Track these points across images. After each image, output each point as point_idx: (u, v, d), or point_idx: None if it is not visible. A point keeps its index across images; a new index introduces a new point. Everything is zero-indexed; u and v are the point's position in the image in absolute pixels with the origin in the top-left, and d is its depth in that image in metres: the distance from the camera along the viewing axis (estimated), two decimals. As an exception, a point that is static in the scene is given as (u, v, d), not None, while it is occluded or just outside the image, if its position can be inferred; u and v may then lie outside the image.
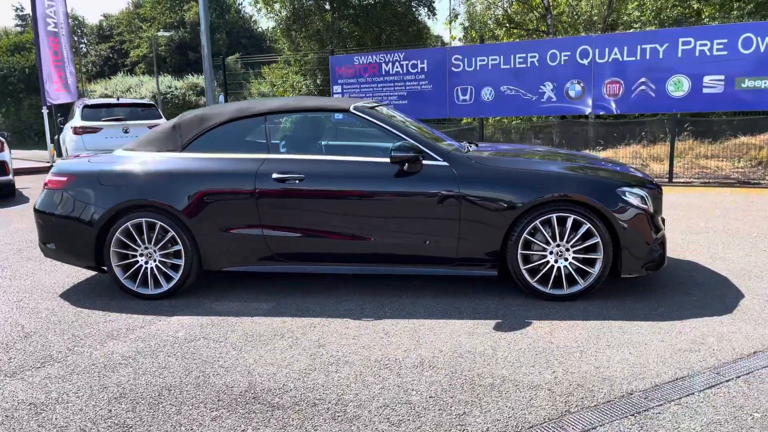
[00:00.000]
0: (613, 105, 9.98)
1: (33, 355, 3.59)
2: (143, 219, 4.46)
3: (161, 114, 11.95)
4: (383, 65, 11.63)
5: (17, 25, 64.80)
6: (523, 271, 4.25)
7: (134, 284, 4.55)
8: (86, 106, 11.62)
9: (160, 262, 4.52)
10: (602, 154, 11.91)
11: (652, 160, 11.47)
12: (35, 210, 4.75)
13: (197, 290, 4.69)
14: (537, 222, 4.18)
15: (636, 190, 4.25)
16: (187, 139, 4.63)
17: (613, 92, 9.93)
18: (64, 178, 4.64)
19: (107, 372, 3.31)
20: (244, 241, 4.45)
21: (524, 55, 10.48)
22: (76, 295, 4.71)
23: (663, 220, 4.67)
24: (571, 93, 10.25)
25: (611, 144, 12.48)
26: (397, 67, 11.51)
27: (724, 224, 6.54)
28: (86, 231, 4.53)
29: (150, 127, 11.16)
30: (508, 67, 10.61)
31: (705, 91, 9.38)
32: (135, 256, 4.53)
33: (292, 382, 3.12)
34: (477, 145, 5.25)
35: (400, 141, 4.29)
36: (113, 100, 12.14)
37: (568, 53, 10.17)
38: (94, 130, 10.82)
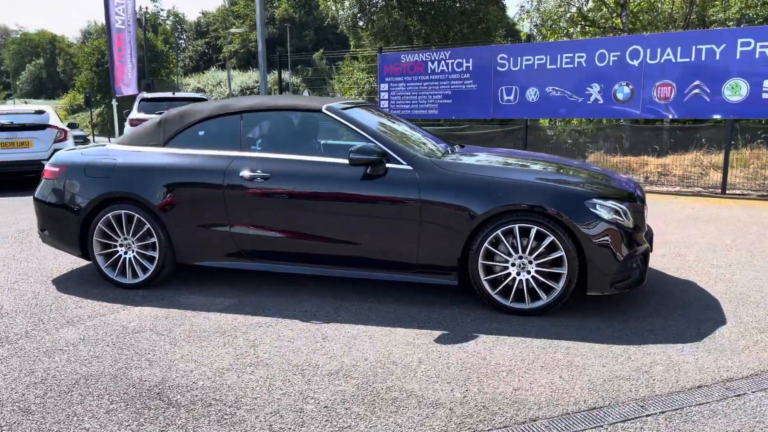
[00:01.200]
0: (665, 109, 9.40)
1: (-9, 335, 3.81)
2: (122, 211, 4.63)
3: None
4: (429, 64, 11.50)
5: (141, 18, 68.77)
6: (484, 282, 4.08)
7: (114, 273, 4.74)
8: (143, 100, 12.19)
9: (137, 253, 4.68)
10: (660, 161, 11.26)
11: (713, 168, 10.71)
12: (34, 198, 5.03)
13: (176, 282, 4.81)
14: (499, 232, 4.00)
15: (610, 203, 3.98)
16: (168, 135, 4.76)
17: (664, 95, 9.35)
18: (57, 169, 4.88)
19: (44, 357, 3.47)
20: (213, 237, 4.52)
21: (571, 54, 10.06)
22: (66, 281, 4.95)
23: (651, 236, 4.36)
24: (619, 95, 9.74)
25: (673, 149, 11.75)
26: (442, 66, 11.35)
27: (752, 243, 6.01)
28: (73, 220, 4.75)
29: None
30: (554, 67, 10.22)
31: (765, 96, 8.65)
32: (115, 246, 4.71)
33: (203, 381, 3.15)
34: (461, 148, 5.11)
35: (363, 143, 4.22)
36: (168, 94, 12.66)
37: (618, 53, 9.67)
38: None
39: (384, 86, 12.19)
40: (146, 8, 71.38)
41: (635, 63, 9.53)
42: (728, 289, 4.56)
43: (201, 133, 4.72)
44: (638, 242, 4.12)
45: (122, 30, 13.94)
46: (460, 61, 11.15)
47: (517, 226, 3.97)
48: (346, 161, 4.24)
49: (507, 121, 11.85)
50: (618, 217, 3.97)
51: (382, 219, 4.21)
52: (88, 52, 53.57)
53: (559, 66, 10.19)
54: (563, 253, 3.93)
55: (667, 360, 3.36)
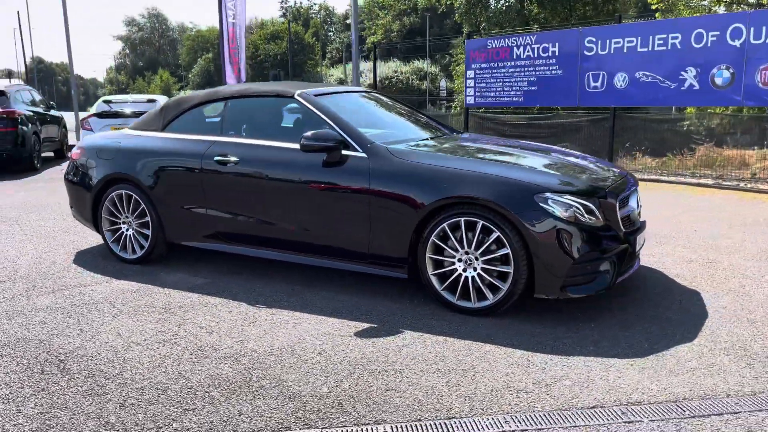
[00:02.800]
0: (770, 96, 8.23)
1: (-19, 297, 4.28)
2: (123, 191, 4.98)
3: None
4: (515, 49, 11.00)
5: (281, 16, 72.96)
6: (431, 277, 3.89)
7: (118, 248, 5.11)
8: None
9: (136, 231, 5.00)
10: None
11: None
12: (64, 178, 5.55)
13: (173, 259, 5.07)
14: (445, 225, 3.78)
15: (566, 199, 3.60)
16: (167, 120, 5.03)
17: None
18: (79, 151, 5.35)
19: (3, 319, 3.84)
20: (194, 218, 4.72)
21: (664, 35, 9.12)
22: (87, 254, 5.41)
23: (632, 239, 3.88)
24: (718, 80, 8.68)
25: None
26: (528, 51, 10.80)
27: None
28: (88, 198, 5.19)
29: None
30: (646, 49, 9.32)
31: None
32: (119, 223, 5.07)
33: (107, 353, 3.32)
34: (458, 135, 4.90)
35: (317, 129, 4.16)
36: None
37: (717, 33, 8.60)
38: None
39: (470, 73, 11.86)
40: (300, 2, 74.95)
41: (736, 43, 8.43)
42: (733, 303, 3.94)
43: (192, 118, 4.92)
44: (607, 243, 3.69)
45: (234, 24, 14.83)
46: (546, 45, 10.54)
47: (463, 219, 3.73)
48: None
49: (594, 110, 11.01)
50: (577, 214, 3.58)
51: (335, 206, 4.14)
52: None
53: (650, 49, 9.28)
54: (509, 251, 3.62)
55: (583, 375, 2.99)
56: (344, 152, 4.12)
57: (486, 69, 11.52)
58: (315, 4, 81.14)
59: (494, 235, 3.65)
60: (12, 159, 11.38)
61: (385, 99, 5.52)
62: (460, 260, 3.79)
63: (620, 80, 9.66)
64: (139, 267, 4.94)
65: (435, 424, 2.60)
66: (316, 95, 4.52)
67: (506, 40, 11.18)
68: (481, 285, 3.75)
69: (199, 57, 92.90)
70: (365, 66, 53.37)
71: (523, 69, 10.90)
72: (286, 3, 76.69)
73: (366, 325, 3.68)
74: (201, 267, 4.90)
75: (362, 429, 2.57)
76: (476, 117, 12.60)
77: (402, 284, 4.33)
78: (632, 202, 4.04)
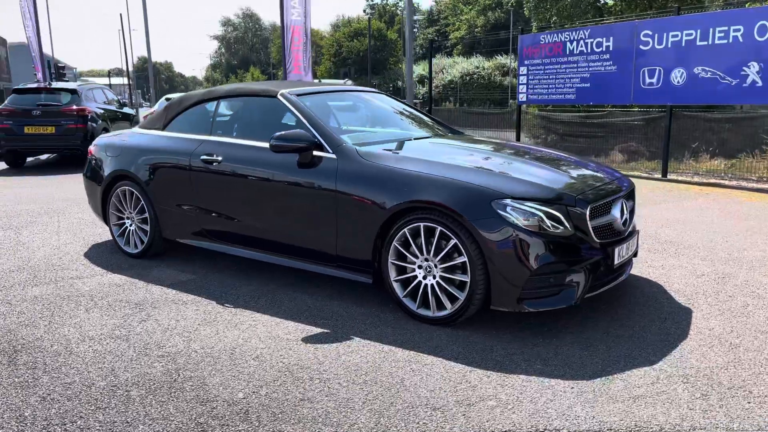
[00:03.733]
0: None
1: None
2: (126, 187, 5.15)
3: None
4: (567, 44, 10.53)
5: (368, 13, 73.80)
6: (393, 283, 3.77)
7: (123, 242, 5.30)
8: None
9: (137, 226, 5.17)
10: None
11: None
12: (83, 174, 5.81)
13: (172, 255, 5.20)
14: (406, 230, 3.65)
15: (528, 206, 3.38)
16: (168, 119, 5.15)
17: (840, 75, 7.40)
18: (93, 149, 5.58)
19: (-12, 308, 4.06)
20: (184, 215, 4.81)
21: (725, 28, 8.43)
22: (102, 247, 5.64)
23: (610, 250, 3.60)
24: (783, 76, 7.93)
25: None
26: (581, 46, 10.31)
27: None
28: (98, 193, 5.41)
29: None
30: (705, 43, 8.66)
31: None
32: (123, 218, 5.26)
33: (56, 346, 3.42)
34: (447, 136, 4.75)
35: (288, 130, 4.12)
36: (315, 82, 13.39)
37: (783, 25, 7.87)
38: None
39: (523, 70, 11.47)
40: (386, 0, 75.36)
41: (805, 35, 7.67)
42: (723, 325, 3.57)
43: (189, 117, 5.02)
44: (575, 254, 3.44)
45: (298, 22, 15.05)
46: (600, 40, 10.01)
47: (422, 225, 3.58)
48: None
49: (649, 108, 10.35)
50: (540, 223, 3.36)
51: (306, 207, 4.10)
52: (328, 44, 58.44)
53: (710, 42, 8.61)
54: (465, 259, 3.44)
55: (513, 396, 2.80)
56: (316, 153, 4.06)
57: (539, 65, 11.10)
58: (401, 0, 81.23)
59: (452, 242, 3.49)
60: (82, 154, 12.09)
61: (383, 98, 5.41)
62: (420, 267, 3.65)
63: (677, 76, 9.03)
64: (138, 261, 5.10)
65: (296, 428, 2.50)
66: (298, 95, 4.48)
67: (559, 35, 10.73)
68: (439, 294, 3.59)
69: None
70: (446, 62, 52.93)
71: (576, 65, 10.43)
72: (372, 0, 77.36)
73: (318, 330, 3.61)
74: (193, 263, 4.99)
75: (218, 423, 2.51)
76: (529, 115, 12.17)
77: (376, 290, 4.22)
78: (615, 210, 3.73)
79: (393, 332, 3.56)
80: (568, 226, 3.44)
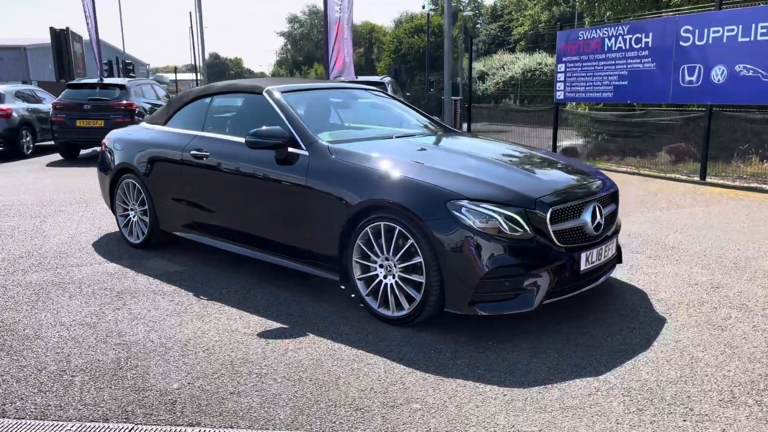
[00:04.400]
0: None
1: (-13, 270, 4.82)
2: (130, 180, 5.35)
3: (390, 91, 12.69)
4: (606, 40, 10.18)
5: (431, 9, 73.46)
6: (357, 281, 3.77)
7: (127, 233, 5.50)
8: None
9: (139, 218, 5.36)
10: None
11: None
12: (97, 166, 6.06)
13: (173, 246, 5.34)
14: (368, 229, 3.64)
15: (484, 207, 3.31)
16: (169, 114, 5.31)
17: None
18: (105, 142, 5.81)
19: (-16, 291, 4.31)
20: (177, 208, 4.95)
21: (768, 23, 7.96)
22: (111, 237, 5.87)
23: (576, 255, 3.49)
24: (830, 74, 7.42)
25: None
26: (619, 42, 9.94)
27: None
28: (107, 185, 5.64)
29: (371, 102, 12.09)
30: (747, 39, 8.20)
31: None
32: (127, 210, 5.46)
33: (27, 330, 3.59)
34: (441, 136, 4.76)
35: (263, 127, 4.17)
36: (352, 78, 13.44)
37: (831, 19, 7.35)
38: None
39: (561, 66, 11.17)
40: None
41: None
42: (693, 338, 3.40)
43: (187, 113, 5.15)
44: (534, 259, 3.34)
45: (341, 17, 15.16)
46: (639, 36, 9.63)
47: (382, 224, 3.56)
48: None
49: (687, 107, 9.87)
50: (497, 225, 3.28)
51: (280, 203, 4.15)
52: (389, 40, 58.51)
53: (753, 38, 8.14)
54: (421, 259, 3.41)
55: (440, 400, 2.77)
56: (291, 150, 4.10)
57: (576, 62, 10.79)
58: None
59: (409, 242, 3.45)
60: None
61: (379, 96, 5.39)
62: (381, 266, 3.64)
63: (717, 74, 8.59)
64: (139, 251, 5.28)
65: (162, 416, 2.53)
66: (282, 92, 4.53)
67: (597, 30, 10.39)
68: (398, 294, 3.57)
69: (353, 52, 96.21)
70: (507, 58, 52.05)
71: (614, 62, 10.08)
72: (435, -4, 76.96)
73: (278, 326, 3.65)
74: (187, 256, 5.11)
75: (169, 429, 2.57)
76: (566, 113, 11.85)
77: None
78: (586, 214, 3.59)
79: (350, 330, 3.56)
80: (528, 229, 3.34)
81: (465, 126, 15.44)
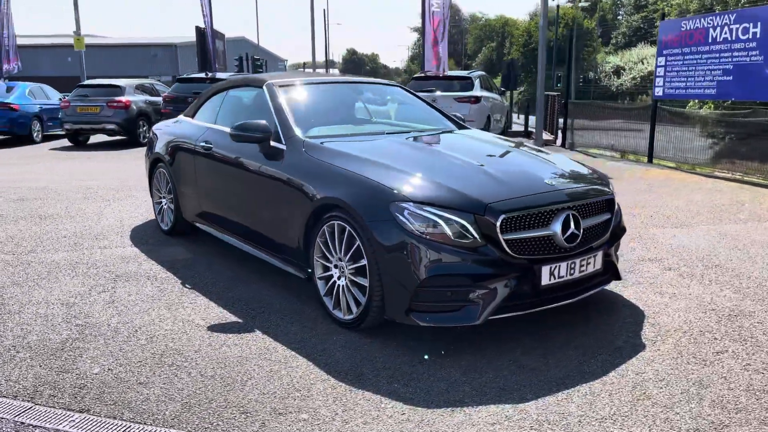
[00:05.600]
0: None
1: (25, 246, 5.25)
2: (161, 170, 5.61)
3: (477, 86, 12.25)
4: (710, 31, 9.17)
5: (568, 1, 70.68)
6: (317, 280, 3.67)
7: (160, 219, 5.79)
8: (414, 78, 12.99)
9: (167, 206, 5.61)
10: None
11: None
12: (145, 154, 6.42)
13: (195, 235, 5.52)
14: (325, 227, 3.53)
15: (427, 210, 3.09)
16: (196, 108, 5.50)
17: None
18: (150, 133, 6.14)
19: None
20: (193, 198, 5.11)
21: None
22: (150, 223, 6.21)
23: (536, 268, 3.17)
24: None
25: None
26: (724, 33, 8.92)
27: None
28: (147, 173, 5.96)
29: (455, 99, 11.79)
30: None
31: None
32: (161, 197, 5.74)
33: (13, 306, 3.85)
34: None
35: (256, 120, 4.16)
36: (438, 73, 13.14)
37: None
38: (410, 99, 12.08)
39: (661, 60, 10.24)
40: (588, -12, 71.53)
41: None
42: (662, 372, 2.95)
43: (210, 105, 5.30)
44: (483, 269, 3.06)
45: (437, 13, 14.94)
46: (747, 25, 8.57)
47: (336, 223, 3.44)
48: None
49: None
50: (440, 230, 3.05)
51: (260, 196, 4.15)
52: (518, 34, 56.99)
53: None
54: (365, 262, 3.25)
55: (330, 414, 2.61)
56: (273, 143, 4.07)
57: (678, 55, 9.84)
58: (604, -13, 76.38)
59: (356, 243, 3.30)
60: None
61: (391, 90, 5.23)
62: (336, 266, 3.51)
63: (835, 68, 7.44)
64: (166, 238, 5.53)
65: (117, 423, 2.54)
66: (280, 86, 4.51)
67: (702, 20, 9.39)
68: (347, 296, 3.43)
69: (484, 46, 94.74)
70: (647, 52, 48.84)
71: (717, 55, 9.07)
72: (572, -13, 73.79)
73: (233, 320, 3.65)
74: (205, 245, 5.24)
75: (60, 412, 2.63)
76: (665, 111, 10.83)
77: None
78: (556, 224, 3.22)
79: (299, 330, 3.48)
80: (476, 236, 3.07)
81: (560, 123, 14.60)
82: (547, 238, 3.21)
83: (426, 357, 3.11)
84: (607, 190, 3.63)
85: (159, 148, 5.58)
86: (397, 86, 5.36)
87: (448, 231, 3.05)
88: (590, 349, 3.20)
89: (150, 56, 48.95)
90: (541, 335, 3.35)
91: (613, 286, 4.11)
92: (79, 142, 14.76)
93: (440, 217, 3.07)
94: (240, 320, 3.64)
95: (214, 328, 3.51)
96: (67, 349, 3.23)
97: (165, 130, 5.68)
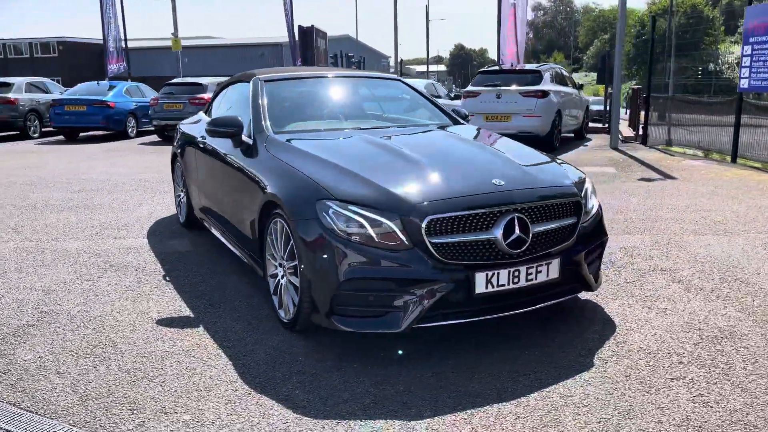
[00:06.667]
0: None
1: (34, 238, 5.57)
2: (178, 164, 5.78)
3: (546, 80, 11.62)
4: (800, 15, 8.18)
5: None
6: (269, 278, 3.61)
7: (178, 212, 5.97)
8: (480, 72, 12.52)
9: (183, 199, 5.76)
10: None
11: None
12: (174, 150, 6.63)
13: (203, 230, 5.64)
14: (271, 225, 3.45)
15: (351, 210, 2.93)
16: (210, 105, 5.60)
17: None
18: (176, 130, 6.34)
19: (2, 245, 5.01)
20: (195, 192, 5.21)
21: None
22: (173, 216, 6.41)
23: (470, 275, 2.93)
24: None
25: None
26: (816, 17, 7.92)
27: None
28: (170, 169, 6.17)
29: (521, 93, 11.29)
30: None
31: None
32: (180, 192, 5.91)
33: (4, 287, 4.09)
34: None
35: (229, 115, 4.16)
36: (505, 67, 12.58)
37: None
38: (474, 95, 11.62)
39: (746, 49, 9.27)
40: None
41: None
42: (595, 393, 2.61)
43: (217, 103, 5.37)
44: (408, 273, 2.87)
45: (515, 5, 14.36)
46: (841, 7, 7.55)
47: (279, 220, 3.35)
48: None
49: None
50: (363, 231, 2.89)
51: (231, 190, 4.15)
52: (630, 24, 54.06)
53: None
54: (296, 262, 3.15)
55: (211, 417, 2.53)
56: (244, 138, 4.05)
57: (764, 44, 8.86)
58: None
59: (291, 242, 3.20)
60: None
61: (395, 86, 5.05)
62: (281, 265, 3.42)
63: None
64: (180, 230, 5.69)
65: (11, 410, 2.60)
66: (266, 80, 4.47)
67: (791, 3, 8.38)
68: (284, 296, 3.33)
69: (597, 38, 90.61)
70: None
71: (808, 42, 8.07)
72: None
73: (184, 315, 3.65)
74: (209, 238, 5.31)
75: (-31, 396, 2.73)
76: (750, 105, 9.79)
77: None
78: (498, 228, 2.94)
79: (241, 328, 3.43)
80: (404, 238, 2.87)
81: (642, 116, 13.59)
82: (488, 242, 2.94)
83: (344, 365, 2.95)
84: (571, 191, 3.28)
85: (176, 143, 5.73)
86: (396, 80, 5.17)
87: (371, 232, 2.87)
88: (529, 365, 2.90)
89: (257, 55, 51.05)
90: (482, 347, 3.09)
91: (600, 299, 3.74)
92: (165, 137, 15.60)
93: (364, 217, 2.90)
94: (192, 315, 3.64)
95: (162, 322, 3.53)
96: (18, 334, 3.36)
97: (182, 127, 5.83)
